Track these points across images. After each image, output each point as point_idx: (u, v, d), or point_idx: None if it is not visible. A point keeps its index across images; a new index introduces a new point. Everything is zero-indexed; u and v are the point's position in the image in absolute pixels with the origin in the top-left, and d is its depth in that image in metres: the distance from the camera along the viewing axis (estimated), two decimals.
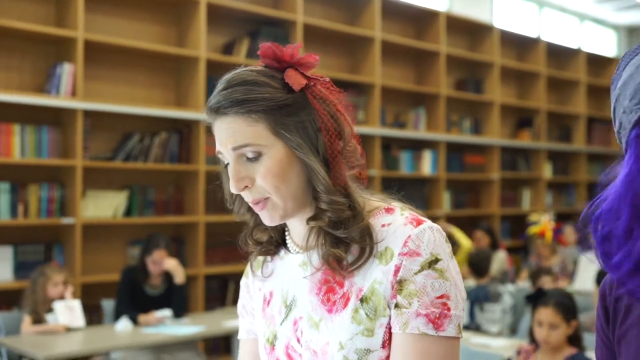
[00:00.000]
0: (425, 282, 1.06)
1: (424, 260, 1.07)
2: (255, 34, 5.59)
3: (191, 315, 4.29)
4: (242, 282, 1.34)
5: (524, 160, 8.12)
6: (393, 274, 1.08)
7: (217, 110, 1.10)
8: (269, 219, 1.13)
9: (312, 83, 1.12)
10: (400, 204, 1.17)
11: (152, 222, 5.03)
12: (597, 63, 9.32)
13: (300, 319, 1.16)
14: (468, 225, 6.90)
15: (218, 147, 1.12)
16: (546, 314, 2.82)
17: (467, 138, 7.32)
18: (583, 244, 0.98)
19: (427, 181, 7.04)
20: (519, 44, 8.25)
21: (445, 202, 7.05)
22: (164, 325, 3.80)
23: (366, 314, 1.09)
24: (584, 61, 8.84)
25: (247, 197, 1.12)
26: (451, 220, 6.94)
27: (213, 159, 5.26)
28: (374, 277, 1.09)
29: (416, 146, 6.92)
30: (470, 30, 7.65)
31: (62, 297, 3.73)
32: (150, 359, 3.73)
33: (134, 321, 3.78)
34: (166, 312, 3.84)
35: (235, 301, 5.36)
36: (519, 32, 7.98)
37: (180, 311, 3.95)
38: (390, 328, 1.08)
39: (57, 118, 4.66)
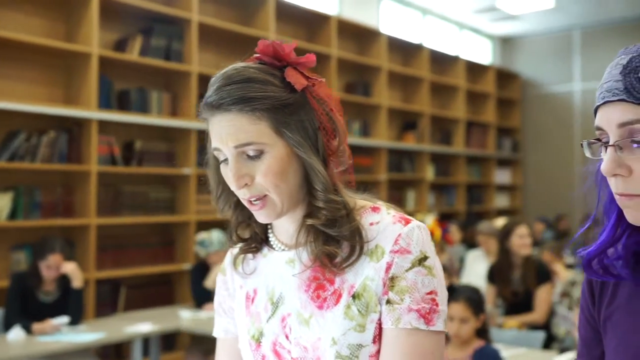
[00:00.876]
0: (416, 278, 1.10)
1: (415, 258, 1.11)
2: (149, 31, 5.46)
3: (85, 322, 4.13)
4: (219, 279, 1.33)
5: (409, 161, 8.41)
6: (385, 271, 1.11)
7: (219, 107, 1.09)
8: (265, 217, 1.14)
9: (311, 83, 1.14)
10: (384, 203, 1.21)
11: (39, 225, 4.78)
12: (475, 70, 9.81)
13: (288, 316, 1.17)
14: None
15: (216, 144, 1.11)
16: (457, 309, 2.95)
17: (356, 140, 7.48)
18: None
19: None
20: (404, 50, 8.53)
21: None
22: (61, 333, 3.64)
23: (358, 310, 1.11)
24: (463, 68, 9.28)
25: (245, 194, 1.12)
26: None
27: (105, 158, 5.09)
28: (366, 274, 1.12)
29: None
30: (359, 35, 7.83)
31: None
32: None
33: (28, 330, 3.59)
34: (64, 319, 3.68)
35: (127, 306, 5.22)
36: (404, 38, 8.25)
37: (77, 317, 3.80)
38: (380, 324, 1.11)
39: None
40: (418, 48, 8.53)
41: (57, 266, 3.74)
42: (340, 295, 1.13)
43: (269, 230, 1.25)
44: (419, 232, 1.12)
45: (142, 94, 5.44)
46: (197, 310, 4.45)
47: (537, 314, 4.45)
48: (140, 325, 3.95)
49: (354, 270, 1.13)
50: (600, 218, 1.09)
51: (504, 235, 4.75)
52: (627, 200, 0.98)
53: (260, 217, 1.14)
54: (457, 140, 9.21)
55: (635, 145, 0.95)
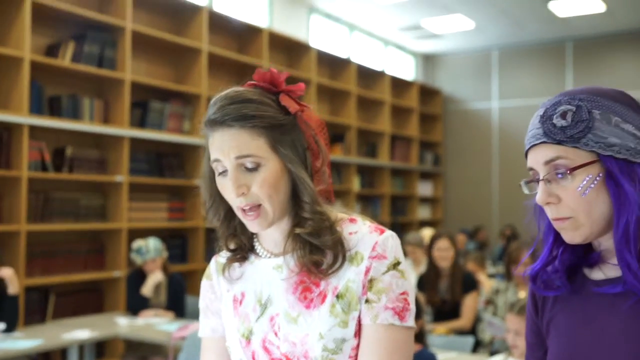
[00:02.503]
0: (391, 280, 1.25)
1: (390, 263, 1.26)
2: (82, 37, 5.42)
3: (17, 330, 4.06)
4: (205, 283, 1.44)
5: (336, 173, 8.58)
6: (364, 274, 1.25)
7: (222, 123, 1.22)
8: (257, 226, 1.26)
9: (301, 109, 1.28)
10: (358, 215, 1.34)
11: None
12: (399, 85, 10.10)
13: (277, 316, 1.29)
14: None
15: (216, 156, 1.23)
16: None
17: None
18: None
19: None
20: (333, 64, 8.72)
21: None
22: None
23: (342, 308, 1.24)
24: (388, 83, 9.56)
25: (242, 202, 1.23)
26: None
27: (35, 164, 5.03)
28: (347, 277, 1.26)
29: None
30: (290, 48, 7.96)
31: None
32: None
33: None
34: (0, 326, 3.63)
35: (55, 314, 5.15)
36: (332, 52, 8.44)
37: (13, 324, 3.75)
38: (359, 320, 1.25)
39: None
40: (346, 62, 8.74)
41: None
42: (325, 296, 1.26)
43: (255, 240, 1.36)
44: (392, 240, 1.28)
45: (74, 100, 5.39)
46: (134, 317, 4.44)
47: (464, 320, 4.67)
48: (77, 332, 3.93)
49: (337, 274, 1.26)
50: (541, 242, 1.30)
51: (429, 246, 4.97)
52: (561, 223, 1.17)
53: (253, 226, 1.26)
54: (382, 153, 9.46)
55: (559, 176, 1.15)
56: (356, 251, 1.27)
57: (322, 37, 8.81)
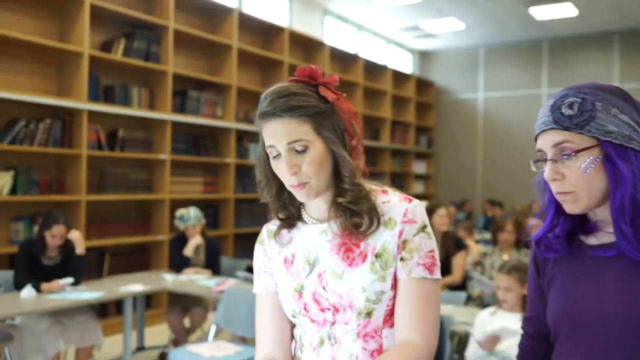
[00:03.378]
0: (421, 241, 1.28)
1: (419, 226, 1.29)
2: (131, 35, 5.44)
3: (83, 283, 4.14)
4: (258, 248, 1.43)
5: None
6: (398, 236, 1.27)
7: (274, 114, 1.23)
8: (306, 197, 1.27)
9: (337, 97, 1.28)
10: (389, 187, 1.36)
11: (35, 200, 4.74)
12: (399, 78, 10.07)
13: (324, 273, 1.30)
14: None
15: (270, 142, 1.24)
16: None
17: None
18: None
19: None
20: (343, 59, 8.69)
21: None
22: (66, 292, 3.65)
23: (380, 266, 1.27)
24: (390, 76, 9.53)
25: (294, 181, 1.24)
26: None
27: (93, 144, 5.07)
28: (384, 239, 1.28)
29: None
30: (306, 45, 7.94)
31: None
32: (52, 322, 3.58)
33: (37, 289, 3.60)
34: (68, 280, 3.69)
35: (110, 271, 5.23)
36: (343, 49, 8.42)
37: (79, 279, 3.81)
38: (395, 275, 1.28)
39: None
40: (354, 58, 8.72)
41: (60, 235, 3.74)
42: (365, 256, 1.28)
43: (302, 209, 1.37)
44: (419, 207, 1.30)
45: (125, 89, 5.42)
46: (177, 274, 4.51)
47: (455, 276, 4.73)
48: (132, 285, 3.99)
49: (374, 236, 1.28)
50: (544, 212, 1.32)
51: (428, 214, 4.99)
52: (564, 197, 1.20)
53: (302, 197, 1.27)
54: (384, 136, 9.46)
55: (565, 157, 1.17)
56: (390, 217, 1.28)
57: (334, 35, 8.77)
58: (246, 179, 6.72)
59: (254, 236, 6.73)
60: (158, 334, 5.16)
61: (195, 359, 3.28)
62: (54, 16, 5.04)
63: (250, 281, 3.97)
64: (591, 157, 1.17)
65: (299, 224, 1.37)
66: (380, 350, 1.28)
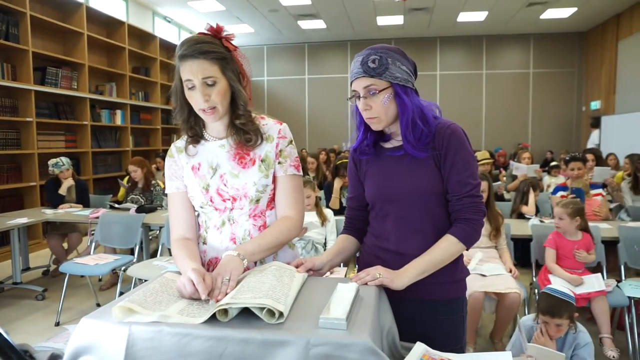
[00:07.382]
0: (291, 150, 1.27)
1: (288, 140, 1.27)
2: None
3: None
4: (169, 160, 1.31)
5: None
6: (275, 147, 1.25)
7: (192, 56, 1.14)
8: (212, 119, 1.20)
9: (235, 49, 1.22)
10: (265, 114, 1.30)
11: None
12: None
13: (224, 174, 1.25)
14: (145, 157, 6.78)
15: (188, 77, 1.15)
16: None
17: (141, 103, 7.07)
18: None
19: (118, 129, 6.63)
20: (169, 49, 8.06)
21: (130, 142, 6.77)
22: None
23: (265, 167, 1.24)
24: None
25: (205, 105, 1.17)
26: (134, 153, 6.72)
27: None
28: (266, 149, 1.25)
29: (111, 106, 6.44)
30: (141, 37, 7.24)
31: None
32: None
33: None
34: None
35: None
36: (170, 40, 7.85)
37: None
38: (275, 174, 1.26)
39: None
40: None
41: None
42: (254, 161, 1.24)
43: (204, 130, 1.28)
44: (286, 127, 1.27)
45: None
46: (54, 209, 4.02)
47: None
48: (19, 219, 3.49)
49: (259, 147, 1.25)
50: (357, 129, 1.31)
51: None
52: (371, 120, 1.21)
53: (210, 119, 1.20)
54: None
55: (371, 94, 1.18)
56: (269, 134, 1.25)
57: (162, 31, 8.09)
58: (100, 137, 6.10)
59: (110, 180, 6.21)
60: (38, 258, 4.57)
61: (83, 267, 3.04)
62: None
63: (116, 210, 3.75)
64: (388, 94, 1.18)
65: (202, 142, 1.28)
66: (264, 226, 1.26)
